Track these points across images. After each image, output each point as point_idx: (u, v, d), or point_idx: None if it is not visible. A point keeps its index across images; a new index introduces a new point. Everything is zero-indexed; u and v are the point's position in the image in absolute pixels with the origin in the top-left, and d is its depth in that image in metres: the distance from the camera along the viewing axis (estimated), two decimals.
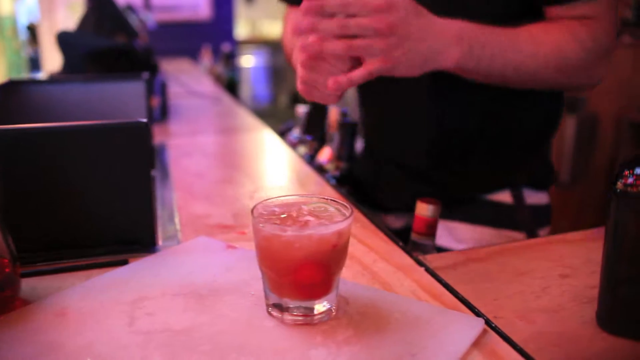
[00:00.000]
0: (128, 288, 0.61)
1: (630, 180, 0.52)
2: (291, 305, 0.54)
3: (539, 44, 0.78)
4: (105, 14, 1.94)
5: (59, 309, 0.57)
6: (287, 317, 0.54)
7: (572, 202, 2.58)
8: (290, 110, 1.43)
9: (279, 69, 6.37)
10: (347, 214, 0.54)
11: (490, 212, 0.95)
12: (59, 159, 0.69)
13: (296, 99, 4.89)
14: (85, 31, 1.74)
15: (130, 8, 2.88)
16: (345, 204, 0.56)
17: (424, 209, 0.77)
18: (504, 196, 0.97)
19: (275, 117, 4.65)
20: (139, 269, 0.66)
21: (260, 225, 0.52)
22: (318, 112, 0.79)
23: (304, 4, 0.67)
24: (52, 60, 3.63)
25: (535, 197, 0.98)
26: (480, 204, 0.97)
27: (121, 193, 0.71)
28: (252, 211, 0.54)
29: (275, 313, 0.55)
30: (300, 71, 0.74)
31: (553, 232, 0.97)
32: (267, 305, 0.56)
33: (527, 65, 0.78)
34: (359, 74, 0.70)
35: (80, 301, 0.58)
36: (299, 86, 0.76)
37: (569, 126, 2.54)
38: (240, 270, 0.64)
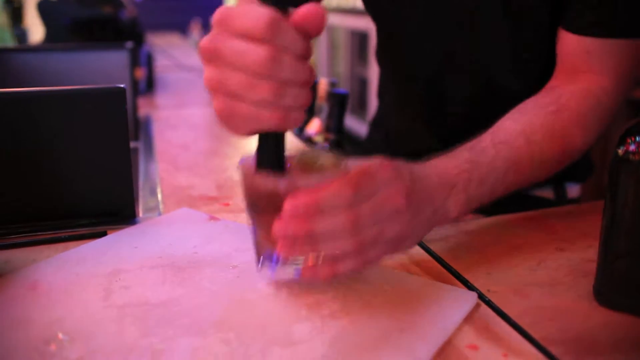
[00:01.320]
0: (104, 260, 0.58)
1: (632, 147, 0.49)
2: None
3: (541, 152, 0.67)
4: None
5: (31, 282, 0.54)
6: (282, 269, 0.50)
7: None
8: None
9: None
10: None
11: (532, 207, 0.88)
12: (33, 126, 0.65)
13: None
14: (68, 1, 1.68)
15: None
16: (338, 155, 0.53)
17: None
18: (546, 191, 0.94)
19: None
20: (117, 240, 0.63)
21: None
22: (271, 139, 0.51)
23: (285, 216, 0.45)
24: (40, 35, 3.56)
25: (573, 190, 0.96)
26: (521, 199, 0.90)
27: (99, 162, 0.68)
28: (239, 161, 0.52)
29: (267, 266, 0.51)
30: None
31: None
32: (258, 261, 0.52)
33: (532, 174, 0.68)
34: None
35: (54, 274, 0.55)
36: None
37: None
38: (222, 242, 0.61)
